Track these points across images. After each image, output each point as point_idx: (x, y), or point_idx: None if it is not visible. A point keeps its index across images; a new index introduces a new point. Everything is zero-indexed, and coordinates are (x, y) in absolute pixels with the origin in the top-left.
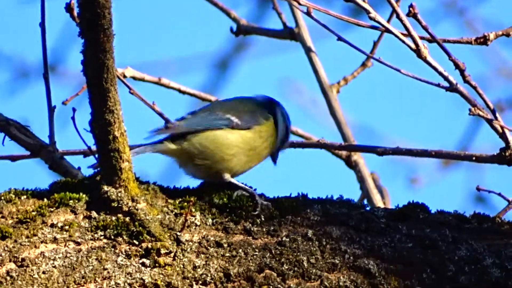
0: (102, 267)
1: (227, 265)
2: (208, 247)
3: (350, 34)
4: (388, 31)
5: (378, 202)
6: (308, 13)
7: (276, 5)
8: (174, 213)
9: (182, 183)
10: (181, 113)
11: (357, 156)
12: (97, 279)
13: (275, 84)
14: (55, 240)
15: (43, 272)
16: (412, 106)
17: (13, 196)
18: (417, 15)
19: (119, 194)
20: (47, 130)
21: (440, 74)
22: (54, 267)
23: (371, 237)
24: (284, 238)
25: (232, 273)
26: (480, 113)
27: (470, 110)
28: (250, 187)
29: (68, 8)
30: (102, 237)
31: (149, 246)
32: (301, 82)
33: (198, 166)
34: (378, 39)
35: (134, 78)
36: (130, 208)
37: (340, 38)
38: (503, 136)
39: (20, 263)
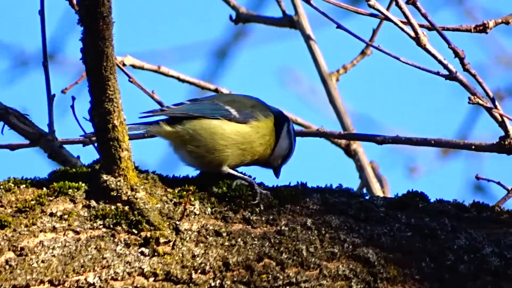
0: (101, 256)
1: (226, 254)
2: (207, 236)
3: (350, 22)
4: (387, 19)
5: (377, 191)
6: (307, 1)
7: None
8: (173, 202)
9: (182, 172)
10: (180, 101)
11: (356, 145)
12: (96, 268)
13: (274, 72)
14: (54, 229)
15: (42, 261)
16: (411, 94)
17: (12, 185)
18: (416, 2)
19: (118, 183)
20: (47, 118)
21: (440, 62)
22: (53, 256)
23: (370, 226)
24: (283, 227)
25: (231, 262)
26: (480, 101)
27: (469, 98)
28: (249, 176)
29: None
30: (101, 226)
31: (148, 235)
32: (300, 70)
33: (191, 153)
34: (378, 27)
35: (133, 66)
36: (129, 197)
37: (339, 26)
38: (502, 124)
39: (19, 252)
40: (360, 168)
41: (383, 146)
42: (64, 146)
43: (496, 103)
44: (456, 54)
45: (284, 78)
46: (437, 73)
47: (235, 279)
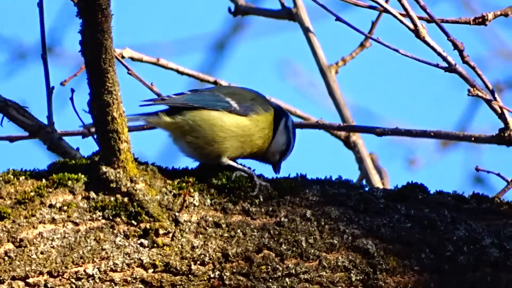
0: (100, 247)
1: (225, 245)
2: (207, 228)
3: (349, 14)
4: (386, 11)
5: (377, 182)
6: None
7: None
8: (172, 193)
9: (181, 164)
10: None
11: (356, 137)
12: (95, 259)
13: (274, 64)
14: (53, 220)
15: (41, 253)
16: (410, 86)
17: (12, 176)
18: None
19: (117, 175)
20: (46, 111)
21: (439, 54)
22: (52, 247)
23: (369, 217)
24: (282, 219)
25: (230, 253)
26: (479, 93)
27: (469, 90)
28: (249, 168)
29: None
30: (100, 218)
31: (148, 226)
32: (299, 63)
33: (190, 144)
34: (377, 19)
35: (132, 58)
36: (129, 189)
37: (338, 18)
38: (502, 116)
39: (18, 244)
40: (360, 160)
41: (382, 138)
42: (63, 138)
43: (496, 95)
44: (455, 46)
45: (283, 71)
46: (437, 65)
47: (234, 270)
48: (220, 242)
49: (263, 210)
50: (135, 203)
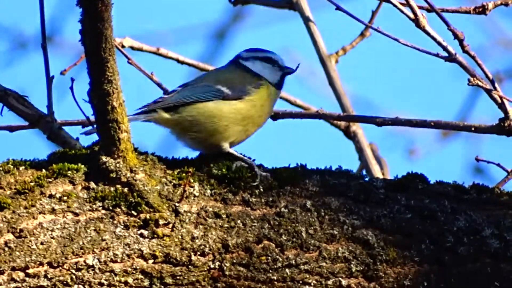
0: (100, 238)
1: (225, 236)
2: (207, 218)
3: (349, 4)
4: (386, 0)
5: (377, 172)
6: None
7: None
8: (172, 183)
9: (181, 154)
10: (179, 83)
11: (356, 127)
12: (95, 250)
13: None
14: (53, 211)
15: (41, 243)
16: (411, 76)
17: (12, 166)
18: None
19: (117, 165)
20: (46, 100)
21: (439, 44)
22: (52, 238)
23: (370, 207)
24: (282, 209)
25: (230, 244)
26: (479, 83)
27: (469, 80)
28: (249, 157)
29: None
30: (100, 208)
31: (148, 217)
32: (299, 52)
33: (193, 139)
34: (377, 8)
35: (132, 48)
36: (129, 179)
37: (338, 8)
38: (502, 106)
39: (18, 234)
40: (360, 150)
41: (382, 128)
42: (63, 127)
43: (496, 84)
44: (456, 36)
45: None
46: (437, 55)
47: (234, 261)
48: (220, 233)
49: (263, 200)
50: (135, 194)
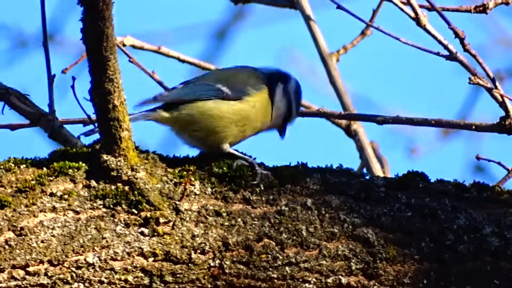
0: (101, 236)
1: (226, 234)
2: (207, 216)
3: (349, 2)
4: None
5: (378, 171)
6: None
7: None
8: (173, 182)
9: (182, 152)
10: (180, 81)
11: (356, 125)
12: (95, 248)
13: (274, 52)
14: (54, 209)
15: (42, 241)
16: (411, 75)
17: (13, 165)
18: None
19: (118, 163)
20: (47, 99)
21: (440, 42)
22: (53, 236)
23: (370, 206)
24: (283, 207)
25: (230, 242)
26: (480, 81)
27: (470, 78)
28: (250, 156)
29: None
30: (101, 206)
31: (148, 215)
32: (300, 51)
33: (192, 137)
34: (378, 7)
35: (133, 46)
36: (130, 177)
37: (339, 7)
38: (503, 104)
39: (19, 232)
40: (361, 148)
41: (383, 126)
42: (65, 126)
43: (497, 83)
44: (456, 34)
45: (284, 59)
46: (437, 54)
47: (234, 259)
48: (221, 231)
49: (263, 198)
50: (136, 192)
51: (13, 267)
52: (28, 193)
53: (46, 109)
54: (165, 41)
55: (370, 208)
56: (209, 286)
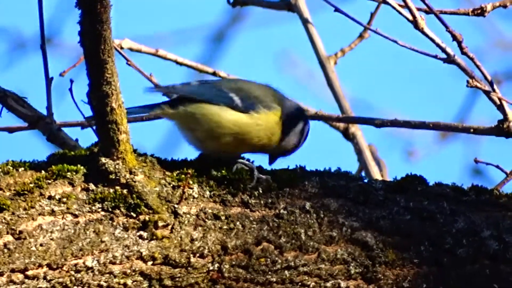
0: (99, 239)
1: (224, 237)
2: (206, 220)
3: (347, 5)
4: (385, 2)
5: (376, 174)
6: None
7: None
8: (171, 185)
9: (180, 155)
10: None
11: (354, 128)
12: (94, 251)
13: (272, 55)
14: (52, 212)
15: (41, 245)
16: (409, 78)
17: (11, 168)
18: None
19: (116, 166)
20: (45, 101)
21: (438, 45)
22: (52, 239)
23: (369, 209)
24: (281, 211)
25: (229, 246)
26: (478, 84)
27: (468, 81)
28: (248, 160)
29: None
30: (99, 210)
31: (147, 218)
32: (298, 54)
33: (193, 137)
34: (375, 10)
35: (131, 49)
36: (128, 180)
37: (337, 9)
38: (501, 108)
39: (17, 236)
40: (359, 151)
41: (381, 129)
42: (63, 128)
43: (494, 86)
44: (454, 37)
45: (282, 61)
46: (435, 57)
47: (233, 262)
48: (219, 235)
49: (262, 202)
50: (134, 195)
51: (12, 270)
52: (27, 196)
53: (44, 112)
54: (163, 44)
55: (368, 212)
56: None
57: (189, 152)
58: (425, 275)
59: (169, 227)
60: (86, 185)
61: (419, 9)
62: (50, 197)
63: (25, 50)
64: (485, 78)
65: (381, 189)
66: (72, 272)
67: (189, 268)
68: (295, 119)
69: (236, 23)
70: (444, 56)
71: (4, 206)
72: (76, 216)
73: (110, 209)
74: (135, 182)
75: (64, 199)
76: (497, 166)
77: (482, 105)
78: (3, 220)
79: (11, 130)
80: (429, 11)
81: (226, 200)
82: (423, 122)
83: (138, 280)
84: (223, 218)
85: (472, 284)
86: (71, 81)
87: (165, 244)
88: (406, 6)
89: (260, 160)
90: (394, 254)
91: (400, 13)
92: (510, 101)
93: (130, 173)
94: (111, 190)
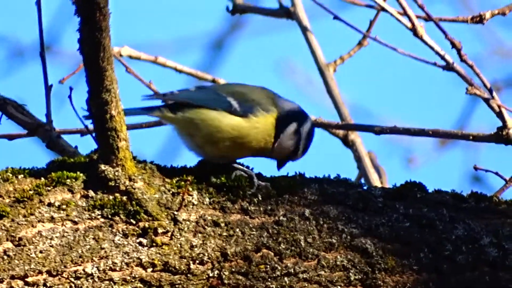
0: (99, 246)
1: (224, 244)
2: (205, 227)
3: (346, 13)
4: (384, 10)
5: (375, 181)
6: None
7: None
8: (171, 192)
9: (179, 162)
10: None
11: (354, 135)
12: (94, 258)
13: (272, 63)
14: (52, 219)
15: (40, 252)
16: (408, 85)
17: (10, 175)
18: None
19: (116, 173)
20: (44, 108)
21: (437, 53)
22: (51, 246)
23: (368, 216)
24: (281, 218)
25: (229, 253)
26: (477, 92)
27: (467, 89)
28: (247, 166)
29: None
30: (99, 216)
31: (146, 225)
32: (297, 61)
33: (192, 143)
34: (374, 18)
35: (130, 57)
36: (127, 187)
37: (336, 17)
38: (500, 115)
39: (17, 242)
40: (358, 159)
41: (380, 137)
42: (62, 136)
43: (494, 93)
44: (453, 45)
45: (281, 69)
46: (434, 64)
47: (233, 269)
48: (219, 241)
49: (261, 209)
50: (133, 202)
51: (12, 277)
52: (26, 203)
53: (44, 119)
54: (162, 51)
55: (368, 219)
56: None
57: (189, 159)
58: (425, 282)
59: (169, 234)
60: (86, 192)
61: (418, 17)
62: (49, 204)
63: (24, 57)
64: (484, 85)
65: (381, 196)
66: (72, 279)
67: (188, 274)
68: (288, 120)
69: (235, 31)
70: (443, 63)
71: (3, 213)
72: (75, 223)
73: (109, 216)
74: (134, 189)
75: (64, 206)
76: (497, 173)
77: (481, 112)
78: (3, 227)
79: (10, 137)
80: (428, 18)
81: (225, 207)
82: (422, 129)
83: (138, 287)
84: (222, 225)
85: None
86: (71, 89)
87: (164, 251)
88: (405, 13)
89: (260, 167)
90: (394, 261)
91: (399, 20)
92: (509, 108)
93: (130, 180)
94: (111, 197)
